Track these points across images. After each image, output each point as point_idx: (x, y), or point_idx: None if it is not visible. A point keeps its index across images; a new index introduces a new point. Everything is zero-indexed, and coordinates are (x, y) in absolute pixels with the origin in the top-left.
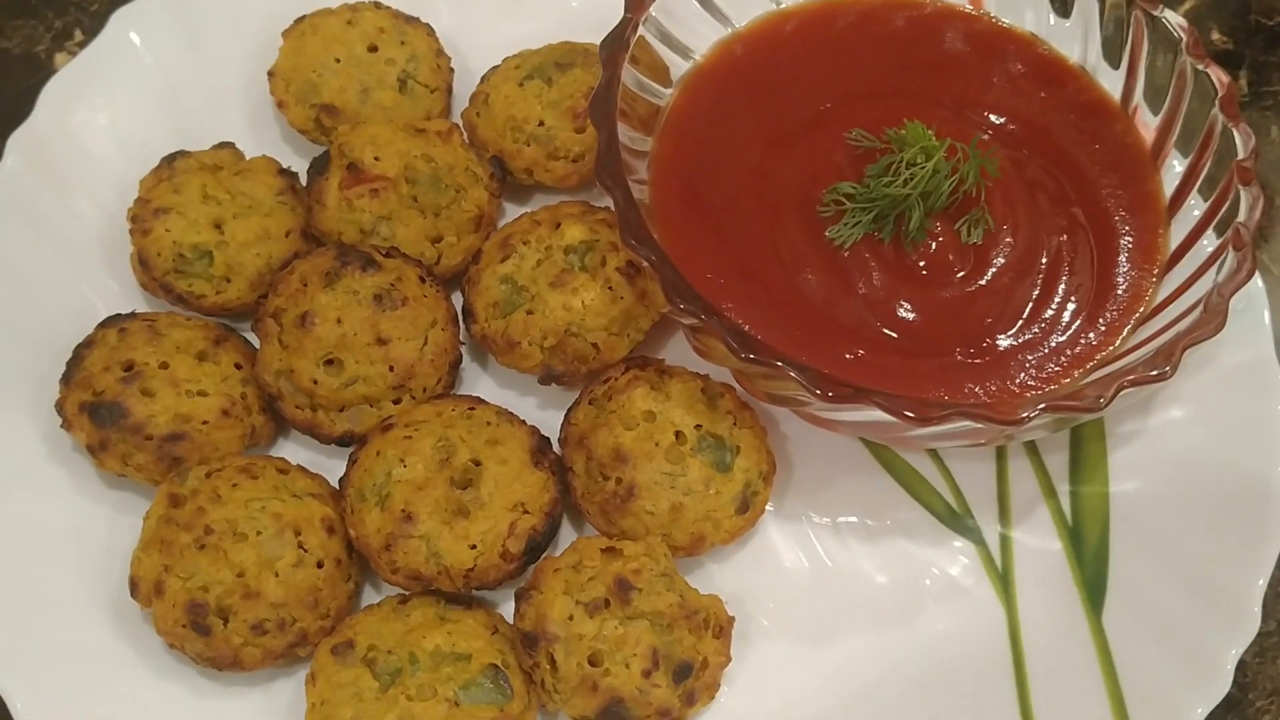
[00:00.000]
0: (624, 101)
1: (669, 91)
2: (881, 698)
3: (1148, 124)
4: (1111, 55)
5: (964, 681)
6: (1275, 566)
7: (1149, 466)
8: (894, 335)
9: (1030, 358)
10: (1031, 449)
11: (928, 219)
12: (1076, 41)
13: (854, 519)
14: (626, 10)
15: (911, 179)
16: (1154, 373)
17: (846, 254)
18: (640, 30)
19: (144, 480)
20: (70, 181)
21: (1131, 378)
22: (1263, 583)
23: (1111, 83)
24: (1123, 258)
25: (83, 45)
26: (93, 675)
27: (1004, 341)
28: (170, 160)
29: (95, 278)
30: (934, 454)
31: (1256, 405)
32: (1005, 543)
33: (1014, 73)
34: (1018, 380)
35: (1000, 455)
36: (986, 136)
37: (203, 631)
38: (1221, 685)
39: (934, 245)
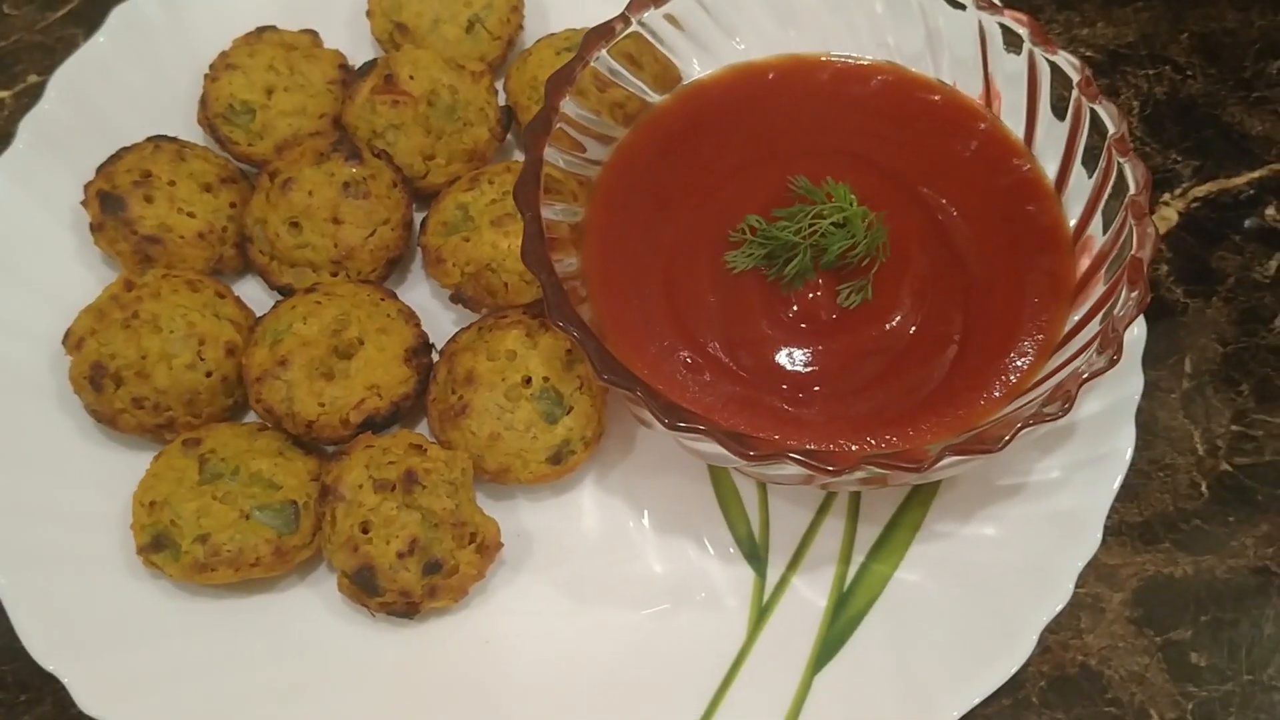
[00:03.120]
0: (594, 85)
1: (659, 95)
2: (596, 659)
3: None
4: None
5: (672, 675)
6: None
7: (939, 566)
8: (737, 368)
9: (856, 429)
10: (851, 515)
11: (812, 273)
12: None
13: (662, 512)
14: (625, 9)
15: (808, 229)
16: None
17: (730, 283)
18: (638, 29)
19: (122, 265)
20: (186, 26)
21: (1031, 415)
22: (957, 714)
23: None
24: (993, 371)
25: None
26: (20, 394)
27: (826, 392)
28: (261, 31)
29: (171, 104)
30: (763, 487)
31: (1060, 554)
32: (781, 583)
33: (982, 172)
34: (825, 440)
35: (822, 509)
36: (923, 217)
37: (96, 388)
38: None
39: (810, 296)
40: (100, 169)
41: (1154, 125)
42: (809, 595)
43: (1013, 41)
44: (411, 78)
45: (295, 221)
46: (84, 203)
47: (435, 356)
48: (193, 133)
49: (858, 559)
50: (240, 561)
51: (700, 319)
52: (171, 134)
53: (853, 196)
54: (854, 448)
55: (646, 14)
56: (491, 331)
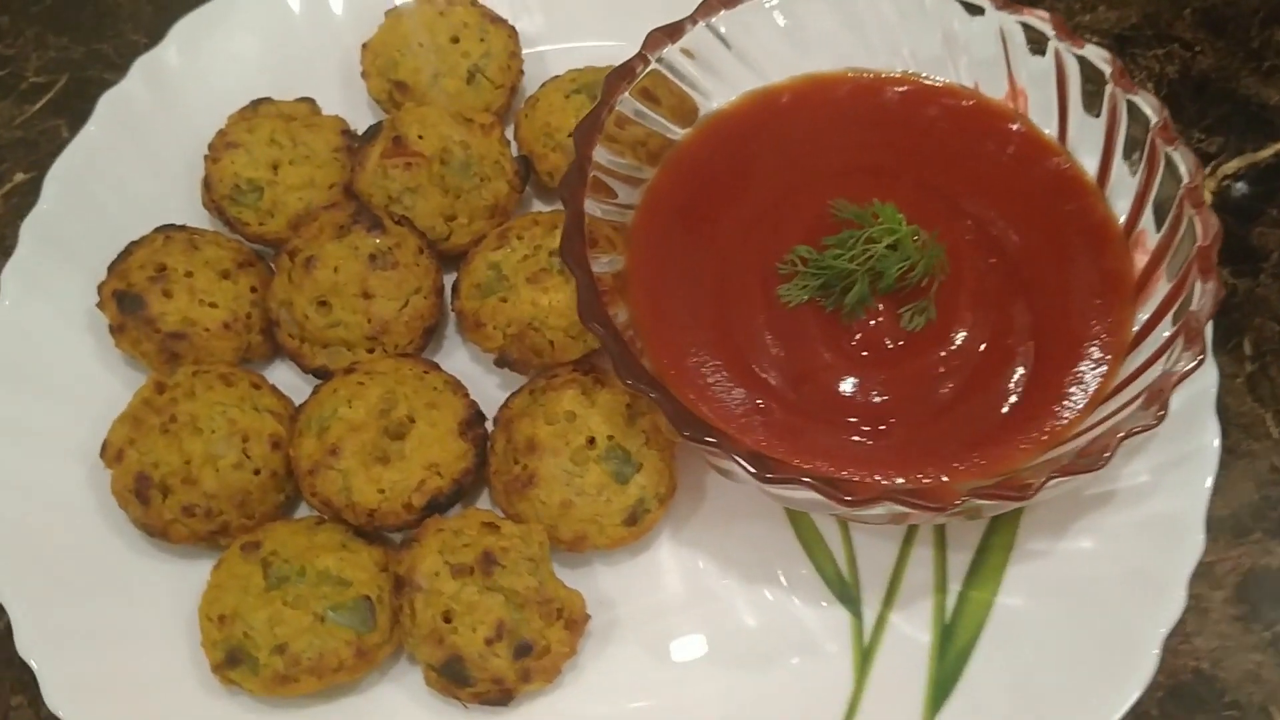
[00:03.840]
0: (620, 129)
1: (683, 129)
2: None
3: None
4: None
5: None
6: None
7: (1040, 587)
8: (798, 398)
9: (929, 451)
10: (939, 542)
11: (871, 298)
12: (1097, 153)
13: (744, 560)
14: (642, 47)
15: (862, 255)
16: (1009, 491)
17: (788, 319)
18: (656, 67)
19: (147, 365)
20: (176, 108)
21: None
22: None
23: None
24: (1066, 382)
25: None
26: (59, 512)
27: (897, 436)
28: (256, 104)
29: (172, 191)
30: (843, 523)
31: (1165, 561)
32: (880, 622)
33: (1025, 184)
34: (875, 481)
35: (907, 539)
36: (972, 231)
37: (143, 500)
38: None
39: (873, 324)
40: (112, 267)
41: (1172, 106)
42: (911, 632)
43: (1036, 39)
44: (421, 137)
45: (323, 300)
46: (100, 305)
47: (488, 426)
48: (199, 217)
49: (954, 588)
50: (322, 668)
51: (763, 359)
52: (177, 221)
53: (901, 216)
54: (944, 478)
55: (665, 50)
56: (545, 394)
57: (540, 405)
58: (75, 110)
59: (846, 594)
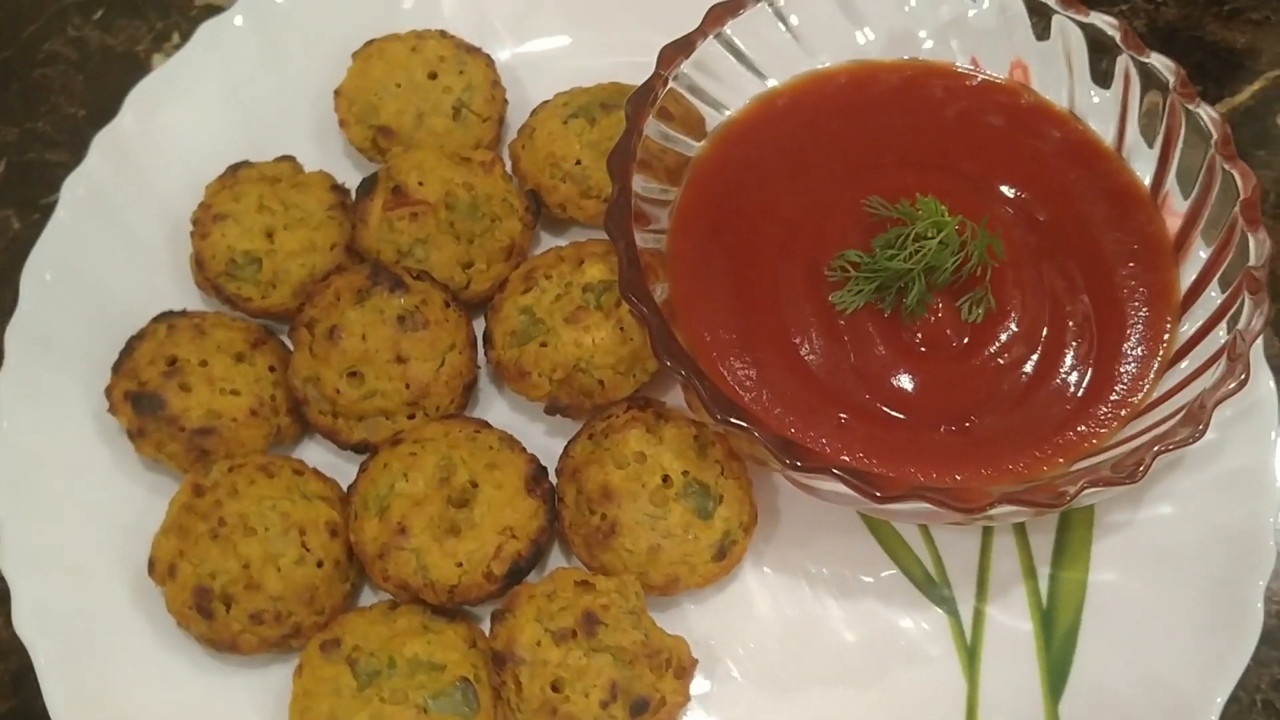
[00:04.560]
0: (648, 153)
1: (699, 144)
2: None
3: (1178, 211)
4: (1148, 136)
5: None
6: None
7: (1130, 559)
8: (883, 405)
9: (1012, 443)
10: (1019, 528)
11: (930, 294)
12: (1114, 119)
13: (831, 575)
14: (657, 66)
15: (916, 254)
16: (1123, 473)
17: (846, 321)
18: (671, 84)
19: (175, 467)
20: (146, 182)
21: (1099, 477)
22: (1221, 700)
23: (1145, 164)
24: (1125, 351)
25: (178, 47)
26: (109, 640)
27: (988, 423)
28: (235, 169)
29: (158, 273)
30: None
31: (1247, 514)
32: (978, 617)
33: (1045, 151)
34: (997, 464)
35: (986, 530)
36: (1007, 210)
37: (206, 615)
38: None
39: (933, 320)
40: (117, 367)
41: None
42: (1011, 623)
43: (1037, 10)
44: (421, 183)
45: (354, 371)
46: (111, 410)
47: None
48: (192, 297)
49: (1043, 571)
50: None
51: (836, 375)
52: (170, 306)
53: (943, 208)
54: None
55: (681, 66)
56: (608, 436)
57: (606, 449)
58: (22, 197)
59: (938, 594)
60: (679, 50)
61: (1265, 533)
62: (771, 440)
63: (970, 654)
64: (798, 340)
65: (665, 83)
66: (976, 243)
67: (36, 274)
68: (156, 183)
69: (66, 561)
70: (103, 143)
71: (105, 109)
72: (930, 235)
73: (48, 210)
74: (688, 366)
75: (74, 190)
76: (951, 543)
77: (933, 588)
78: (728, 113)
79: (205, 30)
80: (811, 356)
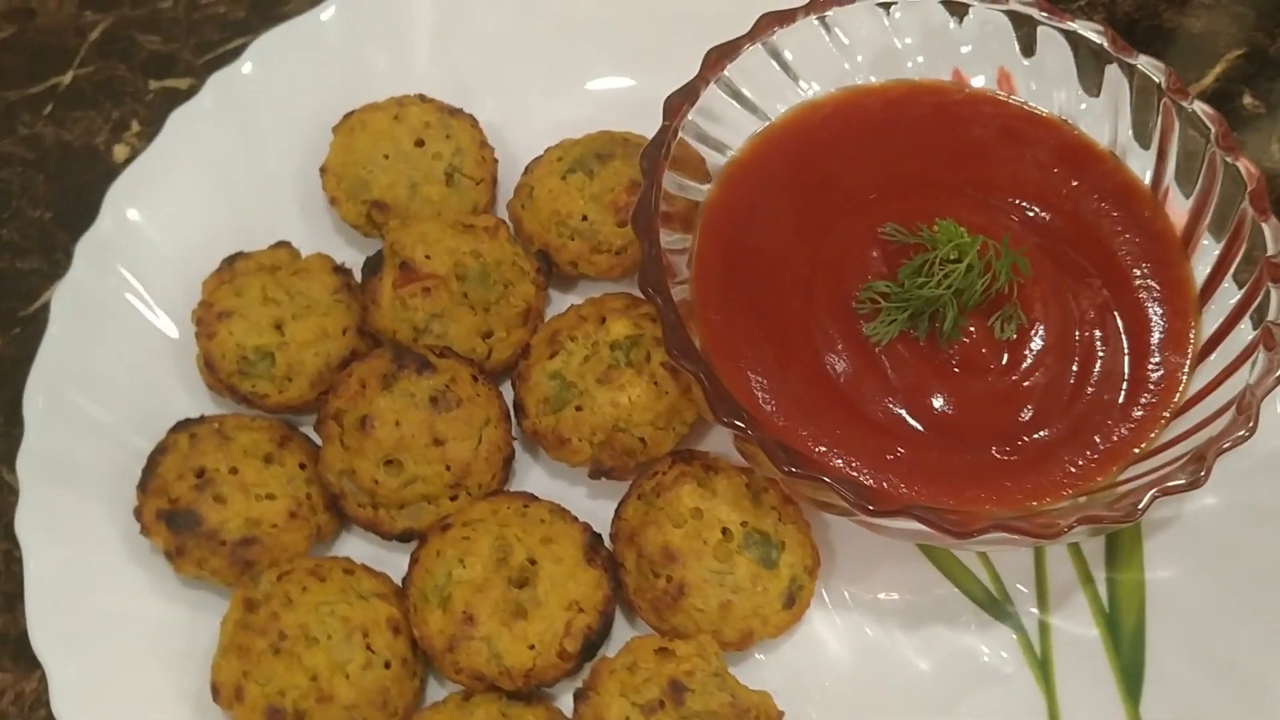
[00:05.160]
0: (667, 205)
1: (707, 187)
2: None
3: (1179, 208)
4: (1142, 138)
5: None
6: None
7: (1182, 554)
8: (931, 433)
9: (1065, 454)
10: None
11: (961, 316)
12: (1106, 122)
13: (895, 605)
14: (666, 117)
15: (945, 278)
16: (1187, 480)
17: (883, 352)
18: (679, 134)
19: (219, 583)
20: (137, 285)
21: (1162, 487)
22: None
23: (1141, 164)
24: (1155, 347)
25: (140, 136)
26: None
27: (1039, 437)
28: (230, 262)
29: (165, 379)
30: None
31: None
32: (1044, 629)
33: (1043, 158)
34: (1053, 477)
35: None
36: (1016, 221)
37: None
38: None
39: (968, 342)
40: (144, 486)
41: None
42: (1077, 630)
43: (1020, 23)
44: (428, 257)
45: (391, 459)
46: (144, 531)
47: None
48: (202, 399)
49: (1099, 575)
50: None
51: (885, 410)
52: (183, 412)
53: (962, 230)
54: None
55: (687, 115)
56: (659, 495)
57: (660, 509)
58: (2, 313)
59: (1001, 610)
60: (684, 99)
61: None
62: (850, 488)
63: (1043, 667)
64: (840, 379)
65: (676, 133)
66: (1001, 261)
67: (38, 396)
68: (148, 284)
69: (121, 700)
70: (86, 249)
71: (73, 209)
72: (954, 258)
73: (28, 323)
74: (747, 422)
75: (63, 302)
76: (1006, 558)
77: (995, 605)
78: (730, 153)
79: (176, 117)
80: (855, 393)
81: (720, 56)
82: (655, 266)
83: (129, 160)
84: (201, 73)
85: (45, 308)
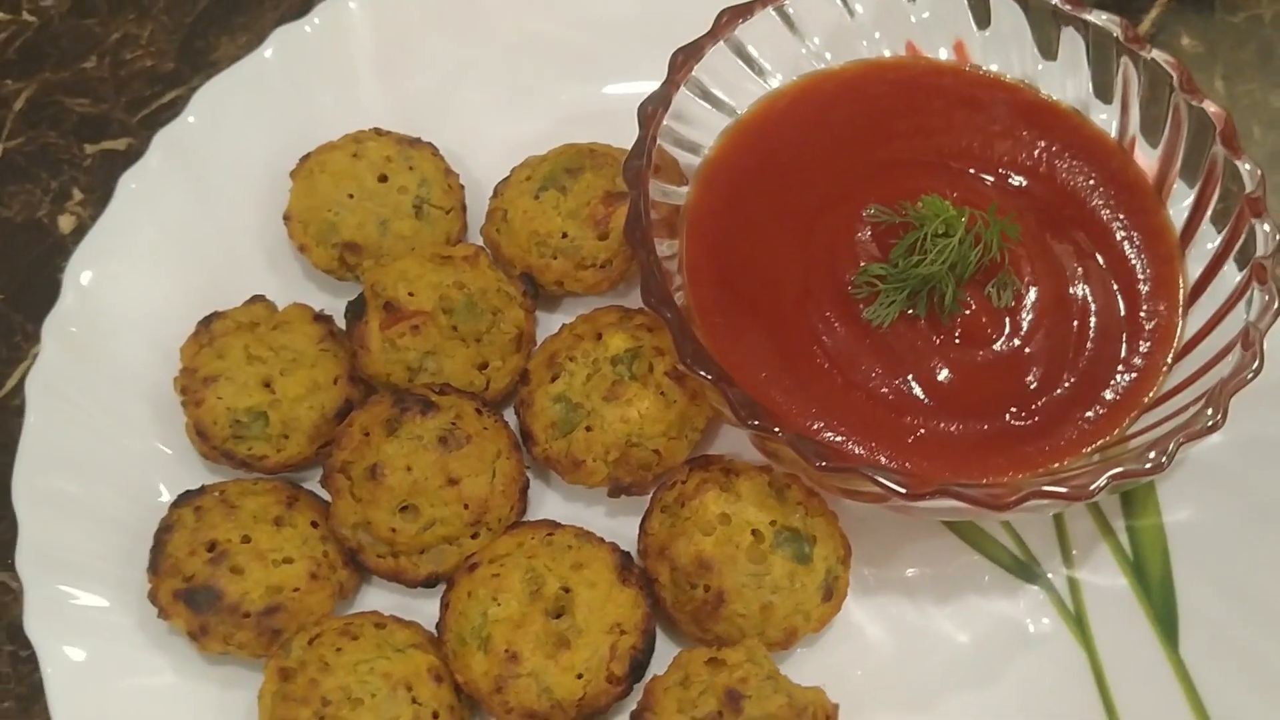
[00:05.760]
0: (656, 214)
1: (685, 189)
2: None
3: (1148, 158)
4: (1103, 93)
5: None
6: None
7: (1197, 494)
8: (946, 408)
9: (1077, 410)
10: None
11: (960, 290)
12: (1067, 80)
13: (925, 581)
14: (643, 125)
15: (939, 254)
16: (1209, 423)
17: (886, 334)
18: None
19: (247, 656)
20: (110, 360)
21: (1186, 432)
22: None
23: (1106, 118)
24: (1145, 296)
25: (84, 204)
26: None
27: (1050, 398)
28: (206, 323)
29: (153, 451)
30: None
31: None
32: (1073, 585)
33: (1010, 123)
34: (1070, 436)
35: None
36: (994, 188)
37: None
38: None
39: (968, 314)
40: (155, 567)
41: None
42: (1106, 582)
43: None
44: (412, 294)
45: (406, 505)
46: (161, 615)
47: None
48: (196, 470)
49: (1119, 525)
50: None
51: (897, 392)
52: (179, 485)
53: (948, 204)
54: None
55: (663, 122)
56: (684, 506)
57: (686, 519)
58: None
59: (1030, 572)
60: (658, 105)
61: None
62: (885, 476)
63: (1078, 622)
64: (849, 367)
65: (655, 141)
66: (990, 230)
67: (25, 489)
68: (122, 357)
69: None
70: (52, 329)
71: (25, 288)
72: (943, 233)
73: None
74: (776, 423)
75: (36, 388)
76: (1027, 520)
77: (1023, 568)
78: (704, 153)
79: (125, 180)
80: (864, 379)
81: (687, 58)
82: (656, 279)
83: (76, 231)
84: (138, 130)
85: (11, 394)
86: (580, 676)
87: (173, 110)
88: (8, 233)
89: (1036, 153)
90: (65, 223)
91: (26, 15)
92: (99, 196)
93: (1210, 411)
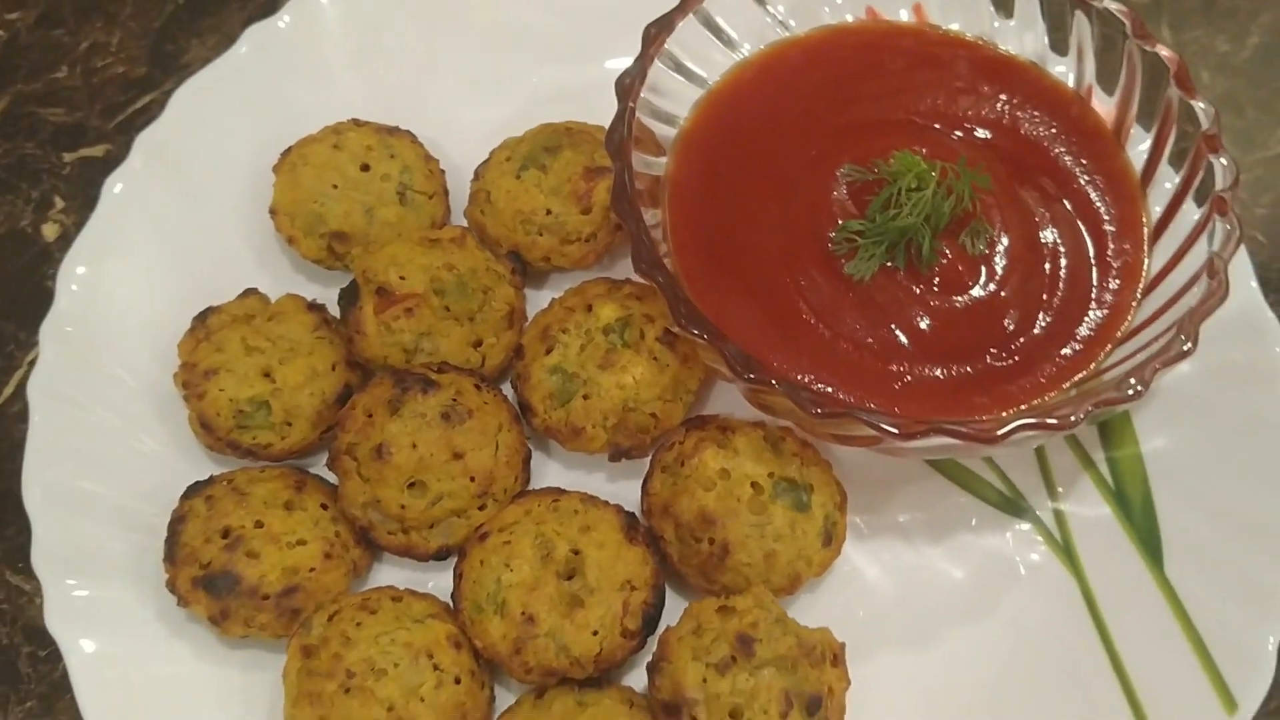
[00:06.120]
0: (640, 184)
1: (664, 160)
2: (986, 683)
3: (1105, 105)
4: (1059, 46)
5: (1056, 653)
6: None
7: (1172, 422)
8: (930, 354)
9: (1054, 348)
10: None
11: (936, 240)
12: (1024, 34)
13: (918, 523)
14: (621, 98)
15: (914, 207)
16: (1182, 349)
17: (869, 287)
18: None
19: (268, 637)
20: (107, 362)
21: (1161, 359)
22: None
23: (1063, 69)
24: (1111, 235)
25: (66, 211)
26: None
27: (1029, 338)
28: (202, 318)
29: (155, 445)
30: None
31: (1254, 348)
32: (1059, 517)
33: (971, 79)
34: (1049, 373)
35: None
36: (961, 141)
37: None
38: None
39: (944, 263)
40: (170, 557)
41: None
42: (1090, 511)
43: None
44: (403, 278)
45: (413, 482)
46: (181, 602)
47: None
48: (201, 464)
49: (1099, 457)
50: None
51: (886, 343)
52: (185, 479)
53: (918, 158)
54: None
55: (641, 94)
56: (683, 465)
57: (686, 477)
58: None
59: (1017, 507)
60: (635, 78)
61: (1274, 360)
62: (879, 419)
63: (1067, 551)
64: (834, 321)
65: (634, 113)
66: (961, 181)
67: (35, 489)
68: (119, 356)
69: None
70: (49, 332)
71: (14, 297)
72: (916, 187)
73: None
74: (772, 375)
75: (37, 390)
76: (1011, 457)
77: (1010, 504)
78: (679, 124)
79: (110, 184)
80: (850, 332)
81: (659, 31)
82: (645, 245)
83: (61, 238)
84: (115, 136)
85: (9, 402)
86: (595, 633)
87: (148, 115)
88: None
89: (999, 106)
90: (49, 231)
91: None
92: (80, 203)
93: (1182, 338)
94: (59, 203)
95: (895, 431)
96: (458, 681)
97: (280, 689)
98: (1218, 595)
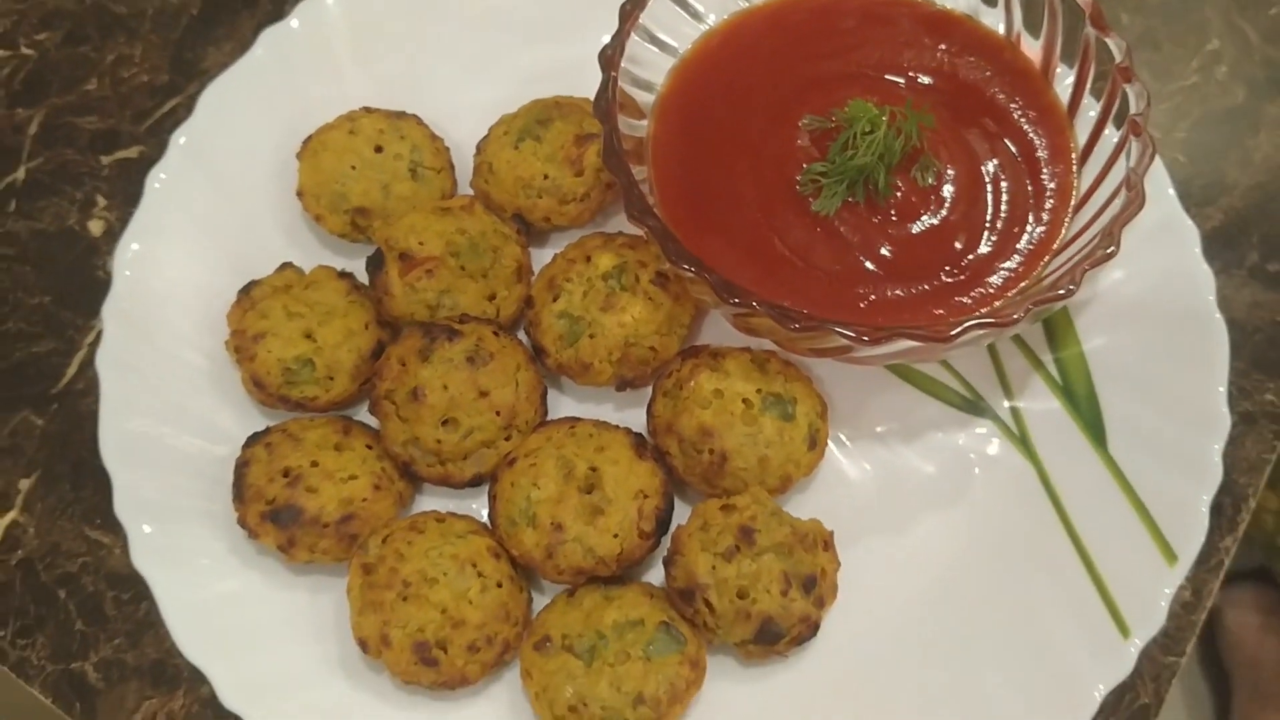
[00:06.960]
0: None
1: (645, 123)
2: (959, 557)
3: (1032, 48)
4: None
5: (1020, 528)
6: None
7: (1108, 323)
8: (890, 275)
9: (999, 262)
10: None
11: (890, 176)
12: None
13: (893, 427)
14: (605, 68)
15: (869, 148)
16: (1107, 251)
17: (835, 220)
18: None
19: (329, 561)
20: (164, 331)
21: (1090, 260)
22: (1223, 389)
23: (994, 19)
24: (1044, 162)
25: (109, 208)
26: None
27: (976, 255)
28: (247, 290)
29: (211, 405)
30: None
31: (1178, 252)
32: (1015, 413)
33: (913, 33)
34: (996, 283)
35: (991, 345)
36: (907, 88)
37: (431, 664)
38: (1214, 476)
39: (899, 196)
40: (239, 497)
41: None
42: (1042, 406)
43: None
44: (422, 243)
45: (447, 419)
46: (251, 535)
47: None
48: (249, 417)
49: (1046, 358)
50: (677, 695)
51: (852, 268)
52: (239, 433)
53: (870, 105)
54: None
55: (621, 65)
56: (681, 389)
57: (685, 399)
58: (33, 395)
59: (978, 407)
60: (616, 50)
61: (1197, 260)
62: (847, 328)
63: (1023, 441)
64: (806, 252)
65: (616, 82)
66: (908, 122)
67: (115, 448)
68: (174, 329)
69: (277, 680)
70: (110, 312)
71: (69, 288)
72: (869, 130)
73: (63, 398)
74: (752, 298)
75: (105, 362)
76: (970, 365)
77: (971, 405)
78: (657, 90)
79: (152, 179)
80: (822, 262)
81: (634, 8)
82: (636, 195)
83: (107, 232)
84: (146, 138)
85: (74, 381)
86: (616, 536)
87: (174, 117)
88: (43, 242)
89: (939, 55)
90: (95, 227)
91: (25, 49)
92: (121, 200)
93: (1105, 242)
94: (101, 201)
95: (865, 339)
96: (499, 585)
97: (342, 607)
98: (1155, 467)
